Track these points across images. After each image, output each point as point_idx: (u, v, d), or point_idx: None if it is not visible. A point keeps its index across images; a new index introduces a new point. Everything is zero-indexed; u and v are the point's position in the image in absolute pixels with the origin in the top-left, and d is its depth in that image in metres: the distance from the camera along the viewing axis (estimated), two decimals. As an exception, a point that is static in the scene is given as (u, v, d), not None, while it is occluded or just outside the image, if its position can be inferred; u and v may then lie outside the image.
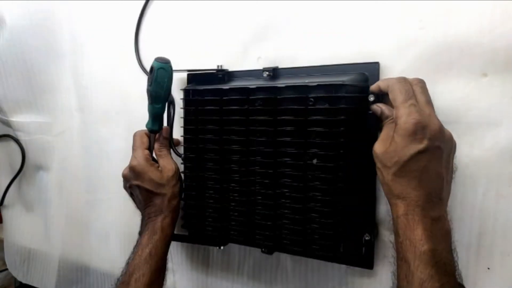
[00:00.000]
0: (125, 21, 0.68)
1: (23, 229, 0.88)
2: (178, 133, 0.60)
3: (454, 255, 0.37)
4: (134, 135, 0.58)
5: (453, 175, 0.41)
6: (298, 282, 0.56)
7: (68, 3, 0.75)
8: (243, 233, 0.53)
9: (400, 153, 0.37)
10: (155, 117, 0.56)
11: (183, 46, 0.63)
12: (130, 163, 0.56)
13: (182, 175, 0.58)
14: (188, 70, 0.60)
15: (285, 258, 0.57)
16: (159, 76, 0.52)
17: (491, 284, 0.44)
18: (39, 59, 0.78)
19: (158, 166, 0.57)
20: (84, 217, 0.78)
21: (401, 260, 0.37)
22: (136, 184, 0.55)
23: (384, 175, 0.39)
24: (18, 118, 0.81)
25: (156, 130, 0.57)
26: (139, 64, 0.67)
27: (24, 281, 0.89)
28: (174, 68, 0.58)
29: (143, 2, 0.66)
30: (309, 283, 0.55)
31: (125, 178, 0.58)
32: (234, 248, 0.61)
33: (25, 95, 0.80)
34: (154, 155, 0.59)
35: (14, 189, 0.86)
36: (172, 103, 0.60)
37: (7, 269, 0.91)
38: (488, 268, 0.44)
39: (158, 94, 0.54)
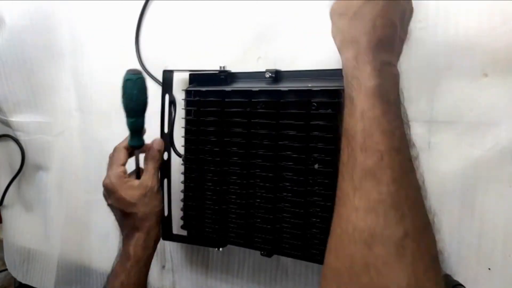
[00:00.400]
0: (126, 20, 0.68)
1: (23, 229, 0.87)
2: (179, 133, 0.60)
3: (402, 100, 0.36)
4: (113, 151, 0.55)
5: (407, 37, 0.40)
6: (298, 283, 0.56)
7: (68, 3, 0.75)
8: (242, 236, 0.53)
9: None
10: (132, 131, 0.52)
11: (184, 46, 0.63)
12: (103, 181, 0.52)
13: (182, 181, 0.58)
14: (190, 70, 0.60)
15: (285, 260, 0.57)
16: (127, 88, 0.49)
17: (492, 284, 0.44)
18: (39, 59, 0.78)
19: (135, 182, 0.53)
20: (84, 217, 0.78)
21: (346, 99, 0.36)
22: (109, 204, 0.52)
23: (341, 24, 0.38)
24: (18, 118, 0.81)
25: (135, 146, 0.53)
26: (140, 64, 0.67)
27: (23, 281, 0.89)
28: (175, 68, 0.58)
29: (143, 2, 0.66)
30: (309, 285, 0.55)
31: (104, 198, 0.54)
32: (234, 249, 0.60)
33: (25, 95, 0.80)
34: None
35: (13, 189, 0.86)
36: (173, 103, 0.60)
37: (6, 269, 0.91)
38: (489, 269, 0.44)
39: (129, 107, 0.50)
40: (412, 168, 0.33)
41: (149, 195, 0.52)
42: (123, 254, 0.51)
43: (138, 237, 0.51)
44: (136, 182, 0.52)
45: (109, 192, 0.52)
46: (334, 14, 0.40)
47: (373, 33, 0.36)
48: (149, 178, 0.53)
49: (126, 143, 0.54)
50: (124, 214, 0.51)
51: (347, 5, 0.38)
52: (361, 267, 0.30)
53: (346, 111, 0.35)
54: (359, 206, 0.31)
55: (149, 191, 0.52)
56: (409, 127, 0.37)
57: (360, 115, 0.34)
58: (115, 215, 0.54)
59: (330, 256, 0.34)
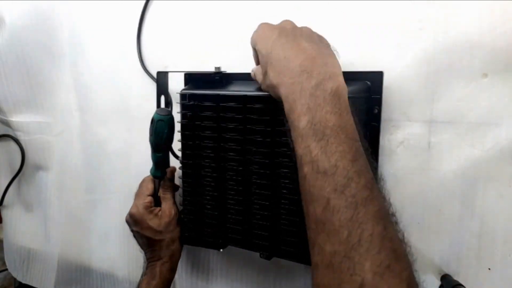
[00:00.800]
0: (126, 20, 0.68)
1: (23, 229, 0.87)
2: (176, 136, 0.60)
3: (351, 107, 0.34)
4: (141, 181, 0.60)
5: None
6: (298, 285, 0.56)
7: (68, 3, 0.75)
8: (241, 239, 0.53)
9: (269, 50, 0.40)
10: (157, 164, 0.58)
11: (184, 46, 0.63)
12: (130, 210, 0.57)
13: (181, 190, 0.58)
14: (185, 72, 0.60)
15: (286, 262, 0.56)
16: (158, 127, 0.55)
17: (492, 284, 0.44)
18: (39, 58, 0.78)
19: (160, 210, 0.57)
20: (84, 217, 0.78)
21: (292, 150, 0.35)
22: (136, 231, 0.57)
23: (265, 69, 0.40)
24: (18, 118, 0.81)
25: (159, 176, 0.59)
26: (140, 64, 0.67)
27: (23, 281, 0.89)
28: (174, 68, 0.58)
29: (143, 2, 0.66)
30: (309, 286, 0.55)
31: (127, 223, 0.59)
32: (234, 250, 0.60)
33: (25, 95, 0.80)
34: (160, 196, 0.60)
35: (13, 189, 0.86)
36: (170, 103, 0.60)
37: (6, 269, 0.91)
38: (489, 269, 0.44)
39: (158, 144, 0.56)
40: (371, 194, 0.29)
41: (173, 222, 0.57)
42: (149, 273, 0.55)
43: (165, 260, 0.56)
44: (160, 211, 0.57)
45: (136, 221, 0.56)
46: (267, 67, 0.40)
47: (292, 69, 0.36)
48: (170, 207, 0.58)
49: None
50: (152, 241, 0.56)
51: (266, 61, 0.40)
52: None
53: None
54: (318, 263, 0.29)
55: (172, 219, 0.57)
56: (365, 140, 0.34)
57: (300, 162, 0.32)
58: (139, 240, 0.58)
59: None
